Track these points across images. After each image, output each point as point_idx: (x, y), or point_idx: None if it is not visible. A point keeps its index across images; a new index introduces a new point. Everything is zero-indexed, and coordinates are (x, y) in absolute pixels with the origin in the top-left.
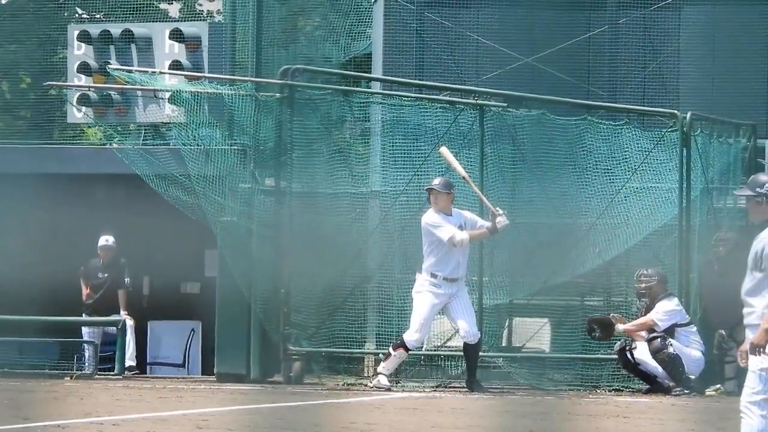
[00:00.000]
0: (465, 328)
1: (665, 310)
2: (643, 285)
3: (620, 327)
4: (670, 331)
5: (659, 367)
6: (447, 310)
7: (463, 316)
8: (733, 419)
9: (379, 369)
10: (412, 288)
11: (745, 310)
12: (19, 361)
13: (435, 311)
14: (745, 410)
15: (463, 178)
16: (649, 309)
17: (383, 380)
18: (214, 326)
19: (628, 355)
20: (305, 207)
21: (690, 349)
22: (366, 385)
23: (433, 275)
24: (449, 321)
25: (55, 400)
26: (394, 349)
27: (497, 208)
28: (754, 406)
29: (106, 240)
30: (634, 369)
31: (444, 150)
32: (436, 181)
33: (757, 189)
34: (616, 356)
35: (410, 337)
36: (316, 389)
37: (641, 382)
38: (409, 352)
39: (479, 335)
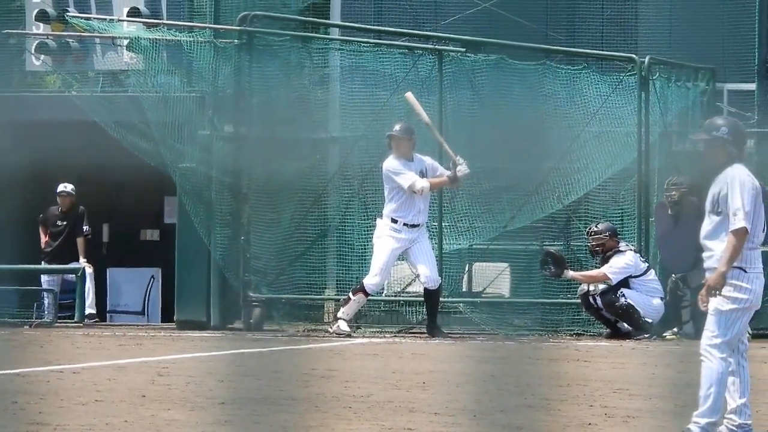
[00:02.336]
0: (426, 274)
1: (618, 266)
2: (595, 242)
3: (569, 273)
4: (625, 282)
5: None
6: (408, 255)
7: (424, 261)
8: (692, 362)
9: (339, 314)
10: (372, 234)
11: (705, 254)
12: None
13: (395, 256)
14: (705, 353)
15: (427, 124)
16: (605, 262)
17: (343, 326)
18: (173, 273)
19: (591, 299)
20: (264, 153)
21: (648, 297)
22: (326, 331)
23: (394, 220)
24: (409, 266)
25: (15, 348)
26: (353, 294)
27: (458, 157)
28: (714, 349)
29: (64, 187)
30: (597, 312)
31: (409, 95)
32: (397, 127)
33: (713, 132)
34: (576, 300)
35: (370, 281)
36: (277, 336)
37: (602, 326)
38: (369, 296)
39: (440, 281)
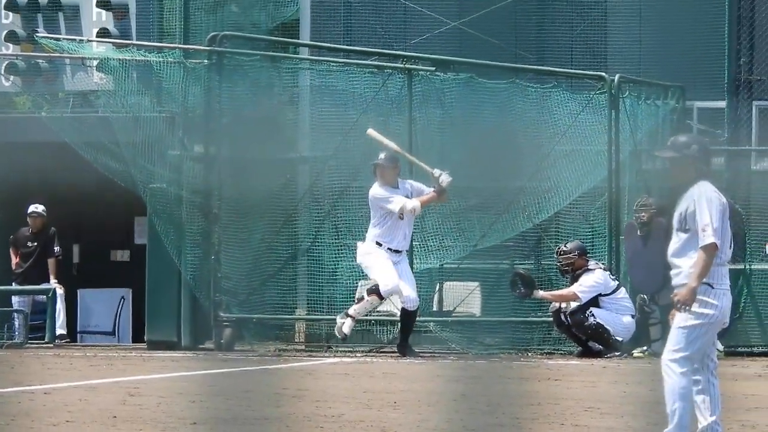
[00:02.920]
0: (407, 294)
1: (587, 285)
2: (564, 261)
3: (539, 293)
4: (595, 301)
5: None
6: None
7: (407, 282)
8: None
9: (350, 311)
10: (342, 254)
11: (673, 272)
12: None
13: (391, 263)
14: (665, 369)
15: (397, 152)
16: (574, 281)
17: (347, 326)
18: (144, 294)
19: (562, 317)
20: (234, 173)
21: (618, 315)
22: (297, 351)
23: (378, 244)
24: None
25: None
26: (368, 294)
27: (434, 170)
28: (674, 364)
29: (35, 208)
30: (568, 330)
31: (371, 132)
32: (382, 156)
33: (684, 150)
34: (547, 319)
35: (384, 286)
36: (248, 355)
37: (573, 344)
38: (382, 300)
39: (419, 303)
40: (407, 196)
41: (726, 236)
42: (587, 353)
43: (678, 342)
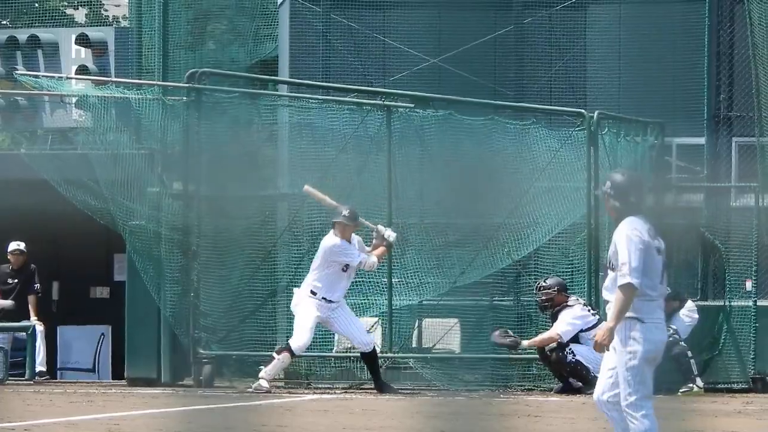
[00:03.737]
0: (356, 339)
1: (567, 321)
2: (544, 297)
3: (525, 343)
4: (575, 337)
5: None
6: (332, 326)
7: (350, 328)
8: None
9: (261, 374)
10: None
11: (607, 307)
12: None
13: (317, 319)
14: (627, 416)
15: (334, 207)
16: (554, 317)
17: (264, 384)
18: (124, 330)
19: (547, 351)
20: (213, 210)
21: None
22: (277, 387)
23: (313, 293)
24: (338, 335)
25: None
26: (278, 353)
27: (378, 226)
28: (633, 409)
29: (17, 245)
30: (552, 365)
31: (307, 188)
32: (346, 212)
33: (601, 187)
34: (526, 356)
35: (296, 342)
36: (227, 392)
37: (552, 380)
38: (294, 357)
39: (373, 340)
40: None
41: (654, 272)
42: (567, 389)
43: (628, 386)
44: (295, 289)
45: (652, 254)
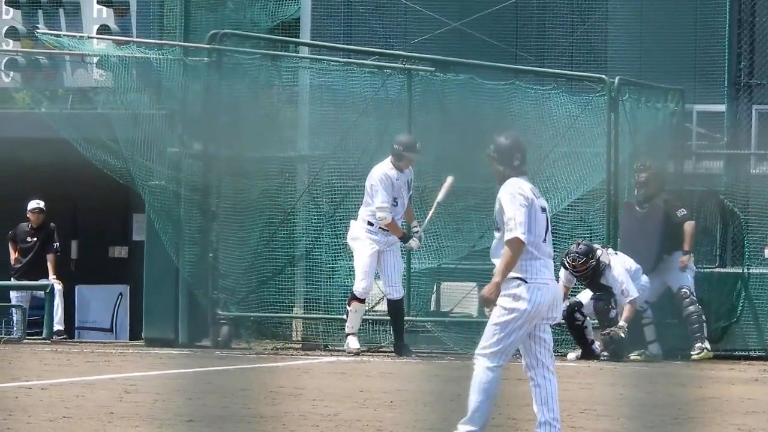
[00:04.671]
0: (391, 284)
1: (622, 279)
2: (580, 274)
3: (624, 325)
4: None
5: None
6: (379, 259)
7: (391, 269)
8: (660, 383)
9: (346, 330)
10: (340, 254)
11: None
12: None
13: (375, 257)
14: (475, 362)
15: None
16: (592, 284)
17: (352, 343)
18: (142, 290)
19: (578, 316)
20: (233, 171)
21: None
22: (294, 349)
23: (370, 223)
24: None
25: None
26: (348, 305)
27: (421, 230)
28: (484, 359)
29: (36, 203)
30: (578, 331)
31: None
32: (405, 140)
33: (486, 150)
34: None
35: (357, 287)
36: (245, 354)
37: (569, 346)
38: (363, 301)
39: (402, 293)
40: (408, 182)
41: (537, 231)
42: (588, 356)
43: (489, 337)
44: (352, 222)
45: (536, 212)
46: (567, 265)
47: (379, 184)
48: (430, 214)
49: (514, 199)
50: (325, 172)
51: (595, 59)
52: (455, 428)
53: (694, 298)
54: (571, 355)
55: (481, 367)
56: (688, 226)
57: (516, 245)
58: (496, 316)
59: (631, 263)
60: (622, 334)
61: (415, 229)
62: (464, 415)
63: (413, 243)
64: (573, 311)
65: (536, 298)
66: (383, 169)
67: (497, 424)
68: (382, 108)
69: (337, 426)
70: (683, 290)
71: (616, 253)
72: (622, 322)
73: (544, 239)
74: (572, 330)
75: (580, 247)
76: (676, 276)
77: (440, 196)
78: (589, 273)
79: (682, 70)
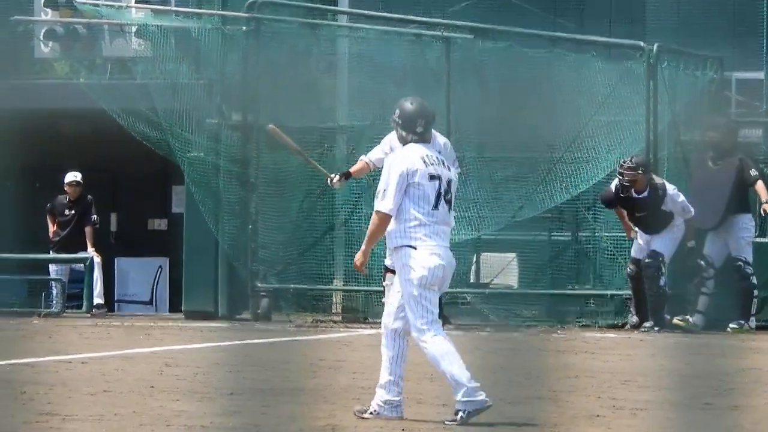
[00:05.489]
0: None
1: (682, 196)
2: (628, 178)
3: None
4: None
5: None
6: None
7: None
8: (701, 354)
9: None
10: None
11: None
12: None
13: None
14: (420, 344)
15: (297, 151)
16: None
17: None
18: (181, 263)
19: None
20: (272, 142)
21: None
22: (334, 322)
23: None
24: None
25: (23, 338)
26: (384, 280)
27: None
28: (424, 335)
29: (74, 176)
30: (638, 293)
31: (271, 128)
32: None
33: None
34: (584, 292)
35: (387, 261)
36: (284, 326)
37: (609, 317)
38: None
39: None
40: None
41: (424, 199)
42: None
43: (413, 313)
44: None
45: (422, 181)
46: (619, 172)
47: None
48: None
49: (391, 169)
50: (364, 142)
51: (633, 26)
52: (458, 402)
53: (749, 272)
54: (633, 320)
55: (427, 341)
56: (761, 183)
57: (380, 217)
58: (409, 292)
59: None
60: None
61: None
62: (503, 387)
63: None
64: (638, 277)
65: (428, 263)
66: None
67: (539, 396)
68: (420, 76)
69: None
70: (739, 262)
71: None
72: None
73: (436, 206)
74: (634, 294)
75: (639, 157)
76: (737, 244)
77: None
78: (629, 182)
79: (721, 37)
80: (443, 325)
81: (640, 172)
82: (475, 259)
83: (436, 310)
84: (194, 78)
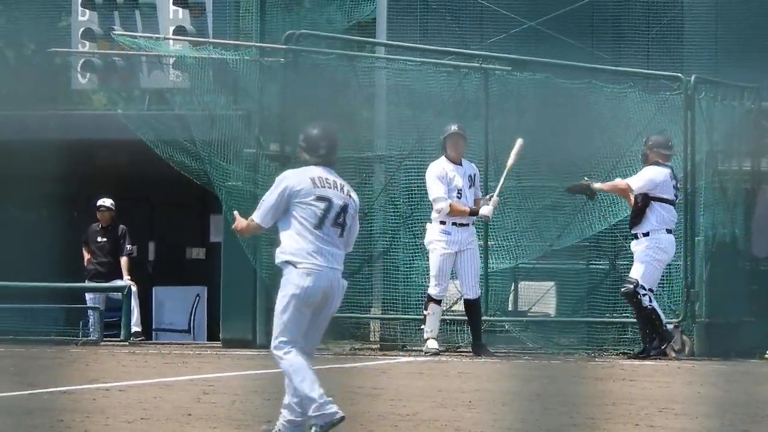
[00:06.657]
0: (467, 285)
1: (643, 177)
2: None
3: (597, 185)
4: (646, 201)
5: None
6: (455, 260)
7: (468, 269)
8: (738, 382)
9: (425, 335)
10: (417, 254)
11: None
12: (26, 328)
13: (450, 260)
14: (275, 360)
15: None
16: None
17: (431, 344)
18: (219, 292)
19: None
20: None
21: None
22: (372, 350)
23: (442, 222)
24: (454, 271)
25: (61, 366)
26: (426, 309)
27: (495, 196)
28: (276, 351)
29: (103, 202)
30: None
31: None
32: (455, 127)
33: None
34: (622, 319)
35: (432, 291)
36: (322, 354)
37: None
38: (439, 302)
39: (480, 293)
40: (471, 177)
41: (309, 219)
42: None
43: (275, 327)
44: (428, 225)
45: (307, 200)
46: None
47: (430, 176)
48: (502, 180)
49: (275, 185)
50: (401, 172)
51: (670, 57)
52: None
53: None
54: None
55: (281, 357)
56: None
57: (252, 226)
58: (277, 304)
59: (665, 189)
60: (582, 186)
61: (487, 200)
62: (541, 415)
63: (485, 210)
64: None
65: (303, 282)
66: (436, 163)
67: (575, 423)
68: (458, 107)
69: (416, 426)
70: None
71: (676, 185)
72: (597, 185)
73: (319, 227)
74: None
75: (659, 135)
76: None
77: (510, 161)
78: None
79: (759, 67)
80: (481, 354)
81: (648, 145)
82: (513, 288)
83: (299, 331)
84: (232, 109)
